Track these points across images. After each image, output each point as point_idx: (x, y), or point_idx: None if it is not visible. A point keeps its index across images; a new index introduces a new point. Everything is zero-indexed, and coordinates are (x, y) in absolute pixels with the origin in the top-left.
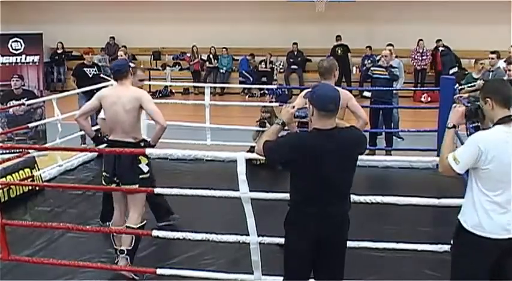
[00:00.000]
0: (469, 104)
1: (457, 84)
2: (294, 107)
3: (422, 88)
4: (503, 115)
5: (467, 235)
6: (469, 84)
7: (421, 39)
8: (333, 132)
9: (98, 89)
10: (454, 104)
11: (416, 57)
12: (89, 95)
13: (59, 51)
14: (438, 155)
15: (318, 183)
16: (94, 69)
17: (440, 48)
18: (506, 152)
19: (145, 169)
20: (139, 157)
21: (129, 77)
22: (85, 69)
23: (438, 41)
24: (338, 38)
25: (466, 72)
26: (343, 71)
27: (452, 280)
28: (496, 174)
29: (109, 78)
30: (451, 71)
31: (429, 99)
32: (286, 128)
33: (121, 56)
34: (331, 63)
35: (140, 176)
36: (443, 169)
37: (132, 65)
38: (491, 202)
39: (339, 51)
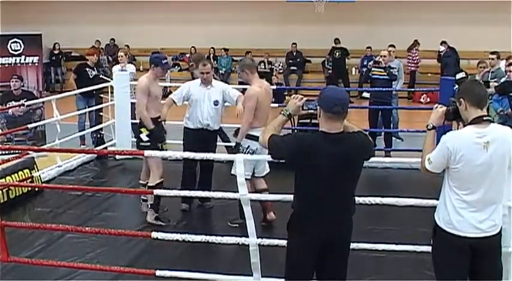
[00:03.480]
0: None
1: (457, 85)
2: (301, 99)
3: (422, 89)
4: (476, 115)
5: (441, 232)
6: None
7: (416, 40)
8: (338, 136)
9: (97, 90)
10: (436, 105)
11: (409, 58)
12: (87, 96)
13: (55, 52)
14: None
15: (320, 187)
16: (95, 71)
17: (442, 48)
18: (476, 153)
19: (145, 138)
20: (141, 129)
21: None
22: (87, 69)
23: (443, 42)
24: (336, 41)
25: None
26: (340, 73)
27: (437, 279)
28: (465, 174)
29: (108, 79)
30: (457, 76)
31: (428, 100)
32: None
33: (122, 56)
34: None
35: (140, 144)
36: (422, 169)
37: None
38: (461, 201)
39: (337, 54)
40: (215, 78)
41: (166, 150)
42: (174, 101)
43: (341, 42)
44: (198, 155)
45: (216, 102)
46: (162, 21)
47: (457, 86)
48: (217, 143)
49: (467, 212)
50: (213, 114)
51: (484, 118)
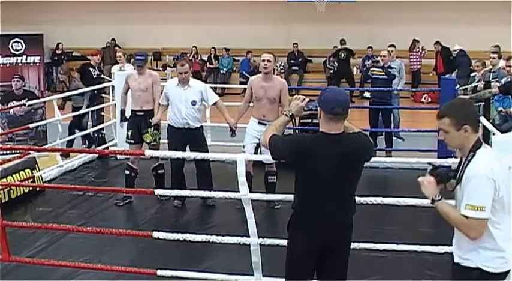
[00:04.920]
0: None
1: (458, 85)
2: (304, 99)
3: (423, 89)
4: (477, 137)
5: (492, 276)
6: (471, 85)
7: (416, 40)
8: (338, 137)
9: (99, 90)
10: (420, 178)
11: (412, 57)
12: (88, 95)
13: (58, 52)
14: (439, 156)
15: (320, 187)
16: (98, 71)
17: (456, 47)
18: (506, 172)
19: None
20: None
21: None
22: (90, 69)
23: (436, 43)
24: (342, 41)
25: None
26: (345, 73)
27: None
28: (506, 198)
29: (109, 79)
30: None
31: (430, 99)
32: None
33: (120, 57)
34: None
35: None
36: (471, 231)
37: None
38: (507, 232)
39: (342, 55)
40: (195, 79)
41: (148, 142)
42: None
43: (346, 43)
44: (199, 155)
45: (193, 103)
46: (164, 21)
47: (480, 85)
48: (216, 142)
49: None
50: (191, 113)
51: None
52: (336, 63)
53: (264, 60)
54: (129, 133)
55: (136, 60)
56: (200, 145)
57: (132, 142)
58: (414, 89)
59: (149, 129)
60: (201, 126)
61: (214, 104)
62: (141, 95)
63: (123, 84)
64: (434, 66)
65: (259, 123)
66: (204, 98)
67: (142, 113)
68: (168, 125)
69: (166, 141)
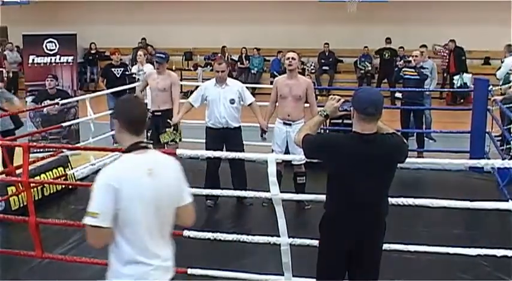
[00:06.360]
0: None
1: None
2: (339, 100)
3: (456, 89)
4: (133, 142)
5: None
6: (506, 85)
7: (453, 40)
8: (371, 137)
9: (127, 90)
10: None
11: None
12: (118, 95)
13: (92, 52)
14: (471, 158)
15: (351, 188)
16: (122, 70)
17: None
18: (144, 183)
19: None
20: None
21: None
22: (112, 69)
23: (451, 41)
24: (388, 40)
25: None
26: (388, 74)
27: None
28: (138, 209)
29: (139, 77)
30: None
31: (462, 100)
32: None
33: (140, 56)
34: None
35: None
36: (88, 237)
37: None
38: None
39: (386, 55)
40: (235, 79)
41: (166, 142)
42: (192, 105)
43: (391, 42)
44: (230, 155)
45: (232, 101)
46: (195, 21)
47: None
48: (246, 142)
49: None
50: (230, 112)
51: (141, 144)
52: (378, 63)
53: (288, 58)
54: (148, 134)
55: (156, 57)
56: (236, 145)
57: (151, 142)
58: (446, 90)
59: (167, 129)
60: (240, 127)
61: (250, 104)
62: (159, 95)
63: (141, 82)
64: (447, 66)
65: (284, 123)
66: (242, 97)
67: (159, 113)
68: (206, 127)
69: (203, 141)
